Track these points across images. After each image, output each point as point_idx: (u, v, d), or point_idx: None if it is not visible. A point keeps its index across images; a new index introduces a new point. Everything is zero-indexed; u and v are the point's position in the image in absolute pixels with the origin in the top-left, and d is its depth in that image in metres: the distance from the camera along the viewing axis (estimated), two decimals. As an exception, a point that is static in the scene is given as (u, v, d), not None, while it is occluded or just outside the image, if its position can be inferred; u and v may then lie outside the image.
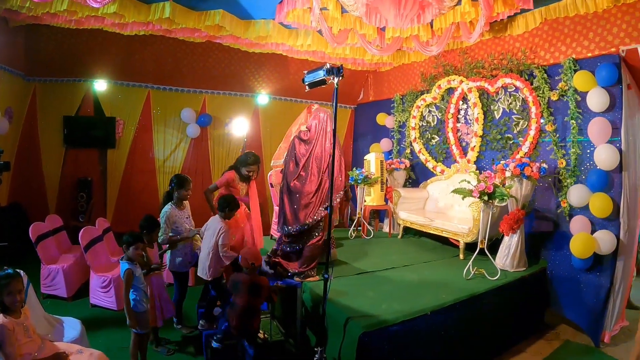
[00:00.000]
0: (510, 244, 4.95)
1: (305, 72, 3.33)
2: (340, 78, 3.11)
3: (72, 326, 3.43)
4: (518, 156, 5.49)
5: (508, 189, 4.65)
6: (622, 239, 4.57)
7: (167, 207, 4.31)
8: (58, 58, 6.91)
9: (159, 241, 4.20)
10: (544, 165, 4.94)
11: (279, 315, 4.52)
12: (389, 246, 6.03)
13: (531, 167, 4.82)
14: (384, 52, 6.41)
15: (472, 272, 4.58)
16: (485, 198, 4.53)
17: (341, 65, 3.13)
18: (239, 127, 7.68)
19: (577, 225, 4.82)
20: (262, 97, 8.36)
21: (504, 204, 4.58)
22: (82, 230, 5.05)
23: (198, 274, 4.32)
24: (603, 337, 4.67)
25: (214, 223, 4.24)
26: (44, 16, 5.45)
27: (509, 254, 4.94)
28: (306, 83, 3.33)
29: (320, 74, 3.15)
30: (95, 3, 4.57)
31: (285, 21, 5.52)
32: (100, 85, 7.30)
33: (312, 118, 4.71)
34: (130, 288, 3.44)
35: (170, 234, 4.28)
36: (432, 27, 5.83)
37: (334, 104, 3.13)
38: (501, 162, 5.17)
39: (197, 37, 6.32)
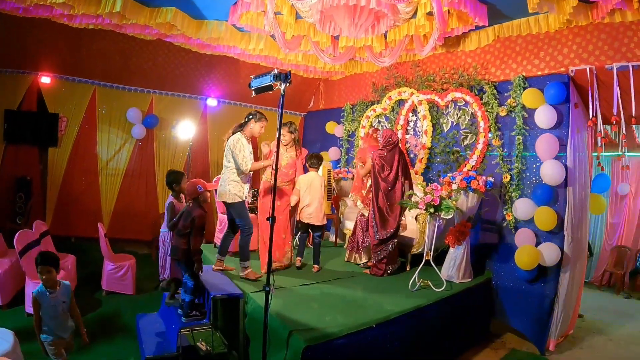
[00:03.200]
0: (456, 255, 4.94)
1: (252, 76, 3.15)
2: (288, 84, 2.96)
3: (2, 337, 3.06)
4: (465, 169, 5.53)
5: (454, 202, 4.63)
6: (566, 251, 4.67)
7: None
8: (2, 47, 6.36)
9: (167, 228, 4.43)
10: (491, 178, 4.97)
11: (221, 326, 4.28)
12: (335, 256, 5.85)
13: (477, 181, 4.85)
14: (336, 61, 6.31)
15: (418, 284, 4.50)
16: (432, 210, 4.48)
17: (289, 71, 2.97)
18: (185, 130, 7.30)
19: (522, 238, 4.90)
20: (211, 101, 8.07)
21: (449, 216, 4.56)
22: (17, 233, 4.63)
23: None
24: (548, 345, 4.75)
25: None
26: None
27: (454, 265, 4.92)
28: (252, 88, 3.15)
29: (268, 80, 2.98)
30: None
31: (238, 23, 5.32)
32: (45, 79, 6.79)
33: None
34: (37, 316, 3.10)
35: None
36: (385, 38, 5.79)
37: (280, 110, 2.97)
38: (448, 174, 5.19)
39: (147, 34, 5.99)
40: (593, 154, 5.50)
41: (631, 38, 4.42)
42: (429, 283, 4.54)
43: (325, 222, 5.28)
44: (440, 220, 4.65)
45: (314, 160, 5.29)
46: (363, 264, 5.39)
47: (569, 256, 4.71)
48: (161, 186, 7.63)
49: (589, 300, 6.26)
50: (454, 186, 4.95)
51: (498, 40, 5.53)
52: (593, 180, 5.49)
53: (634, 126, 6.37)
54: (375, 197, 5.01)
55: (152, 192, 7.65)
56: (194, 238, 3.88)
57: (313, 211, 5.05)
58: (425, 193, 4.51)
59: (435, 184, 4.57)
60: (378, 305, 3.90)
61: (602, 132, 4.89)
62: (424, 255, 4.64)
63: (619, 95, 4.48)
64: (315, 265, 5.08)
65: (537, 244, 4.79)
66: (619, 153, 7.46)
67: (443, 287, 4.51)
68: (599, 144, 5.10)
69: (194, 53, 6.90)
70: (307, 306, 3.77)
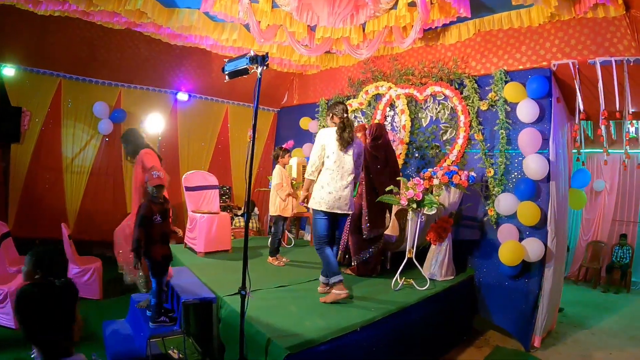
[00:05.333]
0: (439, 252, 4.75)
1: (226, 60, 2.85)
2: (265, 68, 2.66)
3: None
4: (445, 164, 5.36)
5: (437, 197, 4.42)
6: (549, 246, 4.57)
7: None
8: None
9: None
10: (473, 173, 4.79)
11: (194, 332, 3.96)
12: (311, 255, 5.53)
13: (459, 175, 4.66)
14: (312, 53, 6.03)
15: (401, 283, 4.26)
16: (414, 206, 4.25)
17: (266, 53, 2.68)
18: (153, 123, 6.78)
19: (505, 233, 4.76)
20: (182, 95, 7.64)
21: (433, 212, 4.34)
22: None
23: None
24: (533, 342, 4.62)
25: None
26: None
27: (437, 263, 4.74)
28: (226, 72, 2.83)
29: (243, 62, 2.67)
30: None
31: (211, 11, 4.96)
32: (8, 71, 6.25)
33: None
34: None
35: None
36: (364, 30, 5.54)
37: (256, 96, 2.67)
38: (429, 169, 5.00)
39: (116, 22, 5.56)
40: (573, 150, 5.44)
41: (614, 33, 4.36)
42: (412, 282, 4.31)
43: (277, 213, 5.32)
44: (423, 217, 4.43)
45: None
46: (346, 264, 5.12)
47: (553, 251, 4.60)
48: (129, 185, 7.16)
49: (567, 295, 6.21)
50: (436, 181, 4.77)
51: (479, 34, 5.37)
52: (573, 175, 5.43)
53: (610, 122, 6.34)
54: (367, 193, 4.68)
55: (120, 191, 7.16)
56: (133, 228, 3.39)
57: None
58: (407, 188, 4.28)
59: (417, 178, 4.34)
60: (360, 307, 3.62)
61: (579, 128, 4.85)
62: (406, 253, 4.40)
63: (602, 90, 4.37)
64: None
65: (520, 239, 4.67)
66: (596, 150, 7.48)
67: (426, 286, 4.29)
68: (578, 139, 5.04)
69: (165, 44, 6.49)
70: (285, 310, 3.46)
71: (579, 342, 4.94)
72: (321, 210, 3.83)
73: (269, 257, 5.13)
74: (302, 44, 5.78)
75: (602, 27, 4.42)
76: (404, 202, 4.22)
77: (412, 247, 4.39)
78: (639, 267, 7.20)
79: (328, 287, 3.83)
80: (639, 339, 5.12)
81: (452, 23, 5.24)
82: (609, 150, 6.37)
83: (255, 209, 7.89)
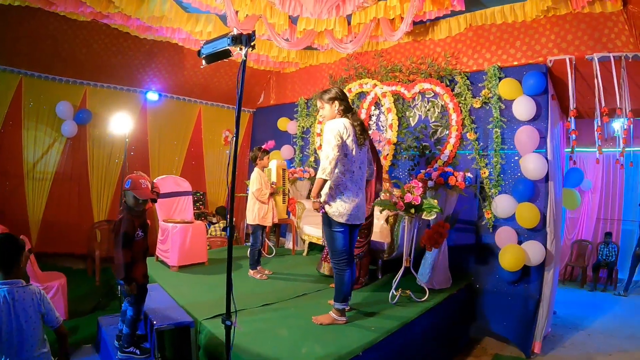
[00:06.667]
0: (434, 259, 4.35)
1: (203, 41, 2.36)
2: (251, 50, 2.19)
3: None
4: (437, 165, 5.00)
5: (435, 201, 4.04)
6: (549, 248, 4.31)
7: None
8: None
9: None
10: (469, 174, 4.45)
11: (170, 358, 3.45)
12: (295, 266, 5.10)
13: (455, 177, 4.31)
14: (293, 47, 5.54)
15: (398, 295, 3.85)
16: (412, 211, 3.85)
17: (253, 31, 2.19)
18: (121, 124, 6.07)
19: (503, 237, 4.47)
20: (152, 94, 7.02)
21: (432, 217, 3.96)
22: None
23: None
24: (533, 348, 4.33)
25: None
26: None
27: (432, 271, 4.34)
28: (203, 55, 2.34)
29: (224, 43, 2.18)
30: None
31: (185, 0, 4.46)
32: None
33: None
34: None
35: None
36: (349, 23, 5.12)
37: (240, 83, 2.19)
38: (422, 171, 4.63)
39: (81, 13, 4.95)
40: (566, 149, 5.19)
41: (611, 29, 4.14)
42: (409, 293, 3.92)
43: (256, 222, 4.66)
44: (419, 222, 4.04)
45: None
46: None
47: (552, 254, 4.33)
48: (96, 192, 6.56)
49: (556, 295, 5.99)
50: (430, 183, 4.40)
51: (470, 29, 5.02)
52: (566, 174, 5.18)
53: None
54: None
55: (86, 199, 6.50)
56: (115, 250, 2.82)
57: None
58: (404, 192, 3.86)
59: (415, 180, 3.93)
60: (358, 326, 3.20)
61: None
62: (403, 261, 3.99)
63: (601, 86, 4.15)
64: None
65: (519, 242, 4.37)
66: (582, 149, 7.28)
67: (425, 297, 3.91)
68: (572, 138, 4.79)
69: (134, 39, 5.91)
70: (275, 334, 2.98)
71: (577, 344, 4.69)
72: (342, 223, 3.18)
73: (250, 270, 4.59)
74: (283, 37, 5.31)
75: (599, 23, 4.18)
76: (400, 207, 3.81)
77: (410, 256, 3.99)
78: (625, 265, 7.07)
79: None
80: (636, 338, 4.92)
81: (443, 17, 4.88)
82: (591, 150, 6.21)
83: (229, 215, 7.32)
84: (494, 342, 4.68)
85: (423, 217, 3.90)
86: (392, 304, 3.76)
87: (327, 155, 3.02)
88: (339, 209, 3.11)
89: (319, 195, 3.14)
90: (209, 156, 7.90)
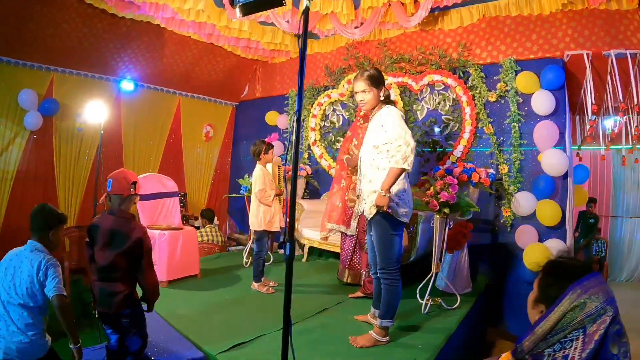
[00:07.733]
0: (457, 262, 4.08)
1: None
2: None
3: None
4: (449, 162, 4.73)
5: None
6: (569, 246, 4.14)
7: None
8: None
9: None
10: (491, 170, 4.18)
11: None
12: (298, 275, 4.44)
13: (479, 174, 4.02)
14: (293, 29, 5.07)
15: (429, 304, 3.51)
16: (447, 210, 3.51)
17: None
18: (94, 114, 5.31)
19: (524, 236, 4.28)
20: (127, 84, 6.24)
21: (469, 217, 3.65)
22: None
23: None
24: None
25: None
26: None
27: (455, 274, 4.06)
28: (239, 3, 1.82)
29: None
30: None
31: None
32: None
33: None
34: None
35: None
36: (356, 7, 4.75)
37: (302, 42, 1.75)
38: (442, 168, 4.31)
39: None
40: (573, 147, 5.08)
41: (627, 26, 4.11)
42: (440, 301, 3.59)
43: (262, 227, 4.06)
44: (451, 223, 3.72)
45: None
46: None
47: (571, 252, 4.21)
48: (63, 193, 5.77)
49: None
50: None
51: (483, 20, 4.77)
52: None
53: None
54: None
55: (52, 200, 5.64)
56: (148, 270, 2.29)
57: None
58: (436, 190, 3.52)
59: (450, 177, 3.59)
60: (403, 346, 2.80)
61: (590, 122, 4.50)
62: (433, 267, 3.65)
63: (618, 82, 4.11)
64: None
65: (540, 241, 4.18)
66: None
67: (457, 304, 3.60)
68: (586, 134, 4.69)
69: (109, 19, 5.16)
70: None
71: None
72: (403, 223, 2.74)
73: (253, 283, 4.01)
74: (284, 19, 4.83)
75: (615, 20, 4.14)
76: (434, 206, 3.47)
77: (440, 260, 3.66)
78: (615, 260, 7.20)
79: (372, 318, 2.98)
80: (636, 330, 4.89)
81: (453, 6, 4.63)
82: (583, 147, 6.22)
83: (215, 218, 6.67)
84: (510, 345, 4.46)
85: (457, 217, 3.58)
86: (424, 314, 3.41)
87: (408, 142, 2.54)
88: (405, 207, 2.67)
89: (389, 190, 2.57)
90: (189, 152, 7.24)
